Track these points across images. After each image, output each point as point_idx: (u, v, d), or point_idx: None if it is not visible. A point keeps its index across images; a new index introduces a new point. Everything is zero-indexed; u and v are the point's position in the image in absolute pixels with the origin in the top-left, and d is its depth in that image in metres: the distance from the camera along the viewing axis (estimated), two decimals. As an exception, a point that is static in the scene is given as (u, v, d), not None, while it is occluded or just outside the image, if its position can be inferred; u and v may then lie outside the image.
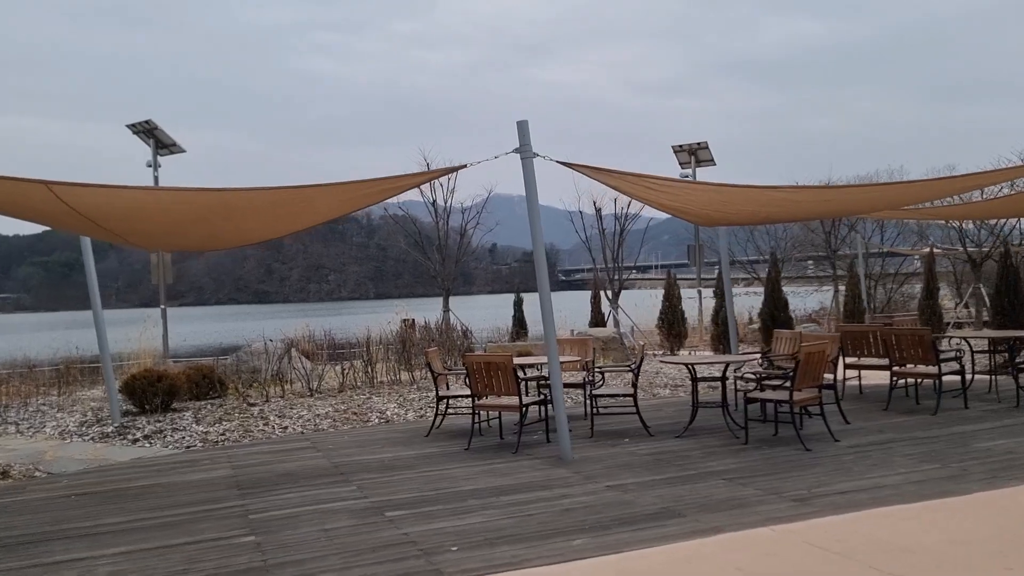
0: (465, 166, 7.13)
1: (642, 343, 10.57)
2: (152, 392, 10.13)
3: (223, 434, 9.32)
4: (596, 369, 9.21)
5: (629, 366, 9.21)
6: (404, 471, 7.11)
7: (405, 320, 23.15)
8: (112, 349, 21.97)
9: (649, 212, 26.05)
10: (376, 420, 10.05)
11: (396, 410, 10.60)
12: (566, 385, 9.17)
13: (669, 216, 10.20)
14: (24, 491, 7.06)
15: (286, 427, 9.68)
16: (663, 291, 21.13)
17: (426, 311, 25.31)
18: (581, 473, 6.72)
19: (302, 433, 9.38)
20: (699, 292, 25.64)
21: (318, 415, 10.26)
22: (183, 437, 9.20)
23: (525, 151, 7.17)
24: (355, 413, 10.40)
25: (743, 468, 6.64)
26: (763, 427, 8.29)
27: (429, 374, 12.45)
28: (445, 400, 9.05)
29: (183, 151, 19.66)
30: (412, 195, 24.75)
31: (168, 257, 20.03)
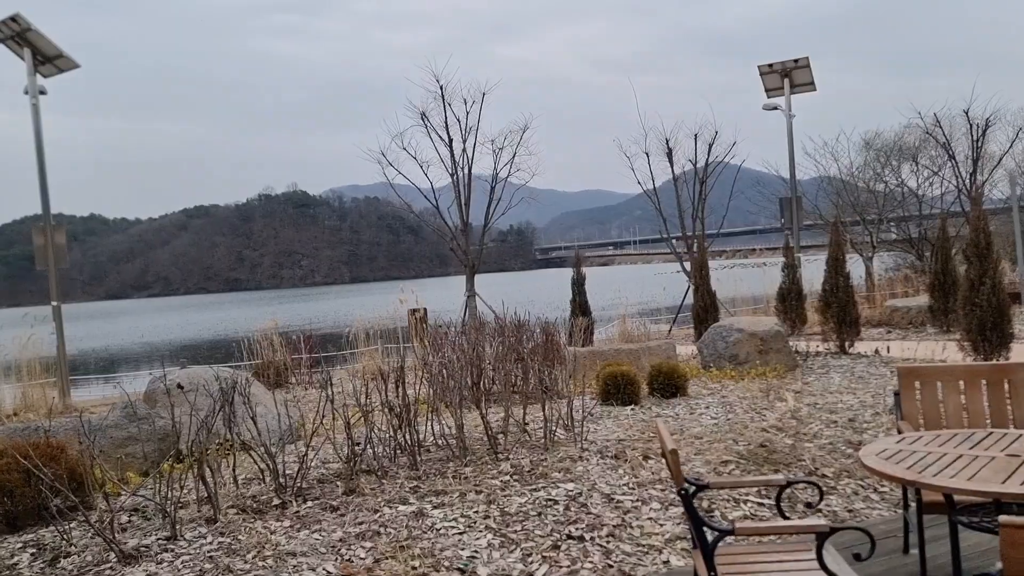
0: None
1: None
2: None
3: None
4: None
5: None
6: None
7: (415, 311, 16.71)
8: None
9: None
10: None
11: (500, 559, 4.20)
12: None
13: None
14: None
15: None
16: (783, 261, 15.41)
17: (425, 295, 18.98)
18: None
19: None
20: (796, 261, 19.49)
21: (304, 597, 3.82)
22: None
23: None
24: (401, 582, 3.98)
25: None
26: None
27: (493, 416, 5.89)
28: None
29: (77, 66, 13.00)
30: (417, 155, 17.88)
31: (63, 237, 13.29)
